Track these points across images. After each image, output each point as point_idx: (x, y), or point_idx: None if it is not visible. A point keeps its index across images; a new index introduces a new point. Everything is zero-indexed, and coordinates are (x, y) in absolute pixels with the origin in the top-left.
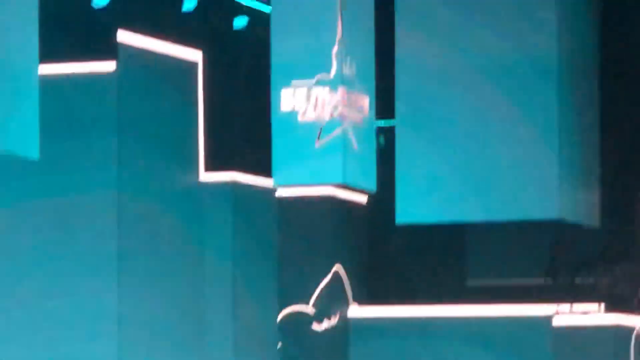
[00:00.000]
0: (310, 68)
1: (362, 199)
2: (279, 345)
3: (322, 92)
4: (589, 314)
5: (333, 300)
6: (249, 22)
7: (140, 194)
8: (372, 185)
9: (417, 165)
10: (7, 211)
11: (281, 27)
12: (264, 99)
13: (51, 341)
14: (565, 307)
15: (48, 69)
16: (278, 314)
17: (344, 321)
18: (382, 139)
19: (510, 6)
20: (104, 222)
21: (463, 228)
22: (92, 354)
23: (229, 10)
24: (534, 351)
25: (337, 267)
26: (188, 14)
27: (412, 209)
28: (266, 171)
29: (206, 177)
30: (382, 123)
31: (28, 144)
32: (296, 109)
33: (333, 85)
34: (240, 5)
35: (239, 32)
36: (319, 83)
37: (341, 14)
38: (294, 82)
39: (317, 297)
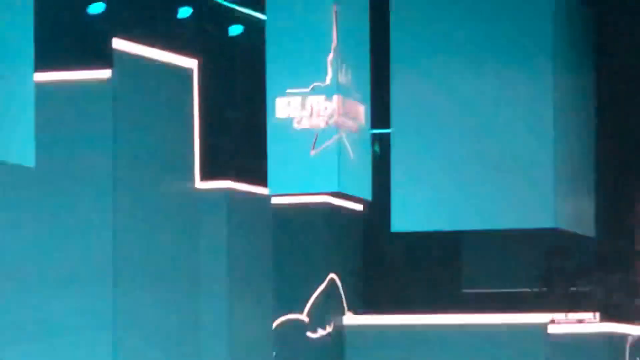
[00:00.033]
0: (305, 76)
1: (357, 207)
2: (274, 354)
3: (317, 101)
4: (584, 323)
5: (328, 308)
6: (244, 30)
7: (136, 202)
8: (368, 194)
9: (412, 173)
10: (3, 218)
11: (276, 35)
12: (260, 107)
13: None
14: (560, 315)
15: (44, 76)
16: (273, 321)
17: (340, 329)
18: (377, 147)
19: (504, 12)
20: (100, 229)
21: (458, 236)
22: None
23: (224, 18)
24: (530, 359)
25: (333, 275)
26: (183, 21)
27: (407, 217)
28: (261, 179)
29: (202, 185)
30: (377, 131)
31: (24, 152)
32: (291, 117)
33: (328, 93)
34: (235, 13)
35: (234, 39)
36: (314, 91)
37: (336, 22)
38: (289, 90)
39: (312, 305)
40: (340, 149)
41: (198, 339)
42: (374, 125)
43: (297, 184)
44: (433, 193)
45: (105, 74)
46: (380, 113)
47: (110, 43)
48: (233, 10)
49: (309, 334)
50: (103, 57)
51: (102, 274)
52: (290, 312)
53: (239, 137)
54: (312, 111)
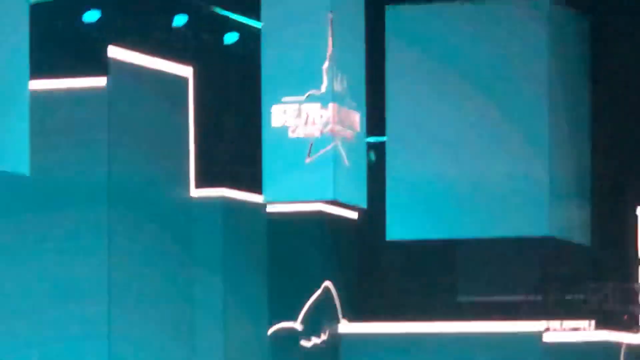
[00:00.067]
0: (301, 84)
1: (352, 214)
2: None
3: (312, 109)
4: (579, 331)
5: (323, 316)
6: (240, 38)
7: (131, 210)
8: (363, 201)
9: (407, 181)
10: None
11: (272, 43)
12: (255, 115)
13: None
14: (555, 323)
15: (39, 84)
16: (268, 329)
17: (335, 337)
18: (372, 155)
19: (501, 24)
20: (95, 236)
21: (454, 244)
22: None
23: (220, 26)
24: None
25: (327, 284)
26: (179, 29)
27: (402, 225)
28: (256, 187)
29: (197, 193)
30: (372, 139)
31: (18, 160)
32: (287, 125)
33: (324, 101)
34: (230, 21)
35: (229, 48)
36: (309, 99)
37: (332, 31)
38: (285, 98)
39: (307, 313)
40: (335, 157)
41: (193, 346)
42: (369, 133)
43: (292, 192)
44: (428, 201)
45: (100, 81)
46: (375, 121)
47: (105, 51)
48: (228, 18)
49: (303, 342)
50: (98, 65)
51: (97, 280)
52: (284, 320)
53: (234, 145)
54: (307, 119)
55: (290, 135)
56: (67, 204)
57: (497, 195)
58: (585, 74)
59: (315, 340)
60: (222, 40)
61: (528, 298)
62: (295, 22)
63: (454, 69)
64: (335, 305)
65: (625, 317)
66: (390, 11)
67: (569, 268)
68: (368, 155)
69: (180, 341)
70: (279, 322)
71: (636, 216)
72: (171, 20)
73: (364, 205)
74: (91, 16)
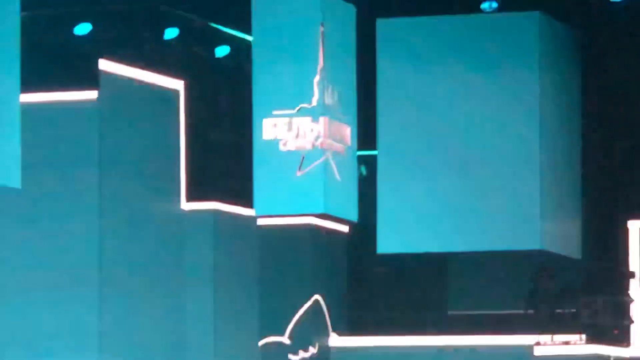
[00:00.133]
0: (291, 97)
1: (343, 228)
2: None
3: (303, 122)
4: (570, 345)
5: (312, 329)
6: (231, 51)
7: (123, 223)
8: (354, 215)
9: (398, 195)
10: None
11: (263, 57)
12: (246, 128)
13: None
14: (546, 337)
15: (30, 97)
16: (259, 341)
17: (325, 350)
18: (363, 169)
19: (491, 34)
20: (86, 249)
21: (444, 258)
22: None
23: (211, 39)
24: None
25: (317, 297)
26: (170, 42)
27: (393, 238)
28: (247, 200)
29: (188, 206)
30: (363, 153)
31: (10, 173)
32: (278, 138)
33: (315, 115)
34: (222, 35)
35: (220, 61)
36: (300, 113)
37: (322, 44)
38: (276, 111)
39: (297, 327)
40: (326, 170)
41: (184, 357)
42: (360, 146)
43: (283, 205)
44: (419, 215)
45: (91, 94)
46: (366, 135)
47: (96, 64)
48: (219, 31)
49: (291, 356)
50: (89, 78)
51: (89, 294)
52: (275, 333)
53: (225, 158)
54: (298, 133)
55: (281, 148)
56: (58, 217)
57: (488, 209)
58: (576, 87)
59: (303, 355)
60: (213, 54)
61: (519, 311)
62: (286, 35)
63: (445, 82)
64: (325, 318)
65: (616, 331)
66: (381, 24)
67: (560, 281)
68: (359, 169)
69: (171, 353)
70: (269, 335)
71: (627, 229)
72: (162, 34)
73: (354, 218)
74: (82, 29)
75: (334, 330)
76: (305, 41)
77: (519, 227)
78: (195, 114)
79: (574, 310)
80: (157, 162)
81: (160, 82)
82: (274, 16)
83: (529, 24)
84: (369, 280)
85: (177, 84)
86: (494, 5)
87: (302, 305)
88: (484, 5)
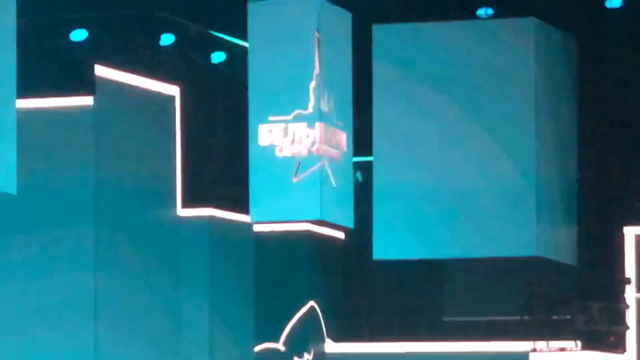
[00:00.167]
0: (287, 103)
1: (339, 234)
2: None
3: (299, 128)
4: (565, 351)
5: (308, 336)
6: (227, 57)
7: (118, 229)
8: (350, 221)
9: (394, 201)
10: None
11: (259, 63)
12: (242, 134)
13: None
14: (542, 343)
15: (26, 103)
16: (254, 347)
17: (320, 357)
18: (359, 175)
19: (488, 43)
20: (81, 255)
21: (440, 264)
22: None
23: (207, 45)
24: None
25: (313, 303)
26: (166, 49)
27: (389, 244)
28: (243, 207)
29: (183, 212)
30: (359, 159)
31: (6, 179)
32: (273, 144)
33: (311, 121)
34: (217, 41)
35: (216, 67)
36: (296, 119)
37: (318, 50)
38: (272, 117)
39: (290, 333)
40: (322, 176)
41: None
42: (356, 152)
43: (279, 211)
44: (415, 221)
45: (87, 100)
46: (362, 141)
47: (92, 70)
48: (215, 37)
49: None
50: (85, 84)
51: (84, 299)
52: (271, 339)
53: (221, 164)
54: (294, 139)
55: (277, 154)
56: (54, 223)
57: (484, 215)
58: (572, 93)
59: None
60: (209, 60)
61: (514, 318)
62: (282, 41)
63: (440, 88)
64: (320, 324)
65: (612, 337)
66: (377, 30)
67: (556, 288)
68: (355, 175)
69: (167, 358)
70: (264, 341)
71: (623, 236)
72: (158, 40)
73: (350, 225)
74: (78, 35)
75: (329, 336)
76: (301, 47)
77: (514, 234)
78: (191, 119)
79: (569, 316)
80: (152, 168)
81: (156, 88)
82: (270, 22)
83: (524, 30)
84: (364, 286)
85: (173, 90)
86: (490, 11)
87: (297, 312)
88: (480, 12)
